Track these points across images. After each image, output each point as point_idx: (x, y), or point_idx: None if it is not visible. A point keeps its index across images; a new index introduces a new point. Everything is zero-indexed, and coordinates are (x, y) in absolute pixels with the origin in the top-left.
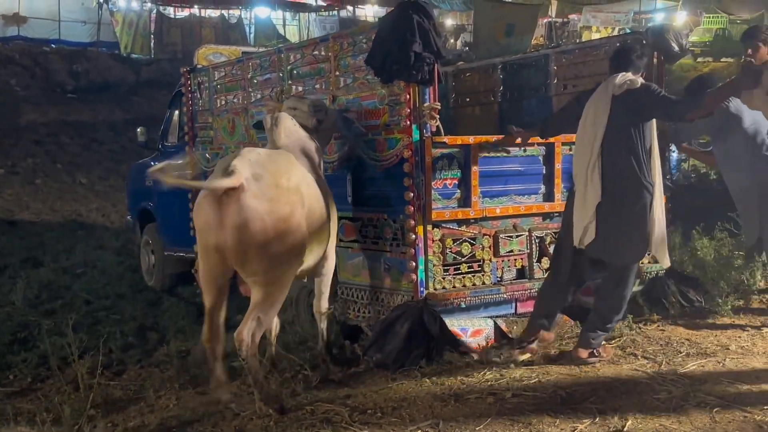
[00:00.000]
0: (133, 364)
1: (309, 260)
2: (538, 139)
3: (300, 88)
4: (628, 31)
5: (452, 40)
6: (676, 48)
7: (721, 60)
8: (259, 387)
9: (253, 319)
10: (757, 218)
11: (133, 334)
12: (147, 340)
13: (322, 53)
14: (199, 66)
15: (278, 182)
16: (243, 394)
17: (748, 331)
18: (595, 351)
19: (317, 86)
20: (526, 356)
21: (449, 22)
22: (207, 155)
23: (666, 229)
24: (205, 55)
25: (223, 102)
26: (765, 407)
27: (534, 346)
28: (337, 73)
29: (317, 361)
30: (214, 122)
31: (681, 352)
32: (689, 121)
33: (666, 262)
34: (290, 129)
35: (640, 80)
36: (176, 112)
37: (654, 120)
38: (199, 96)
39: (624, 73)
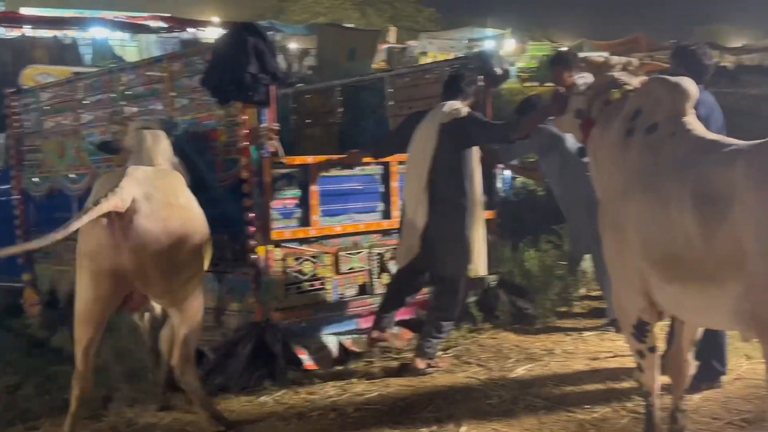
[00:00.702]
0: None
1: None
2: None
3: (135, 109)
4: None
5: (297, 64)
6: (499, 72)
7: (545, 85)
8: (207, 407)
9: (182, 343)
10: (585, 230)
11: None
12: None
13: (157, 74)
14: (25, 87)
15: (169, 200)
16: None
17: (571, 335)
18: (432, 362)
19: (152, 107)
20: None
21: (294, 45)
22: (35, 179)
23: (486, 243)
24: (32, 75)
25: (52, 124)
26: (587, 407)
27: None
28: (173, 93)
29: (158, 389)
30: (43, 145)
31: (511, 358)
32: (511, 143)
33: (482, 272)
34: (167, 148)
35: (465, 110)
36: (1, 135)
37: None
38: (25, 118)
39: (452, 101)
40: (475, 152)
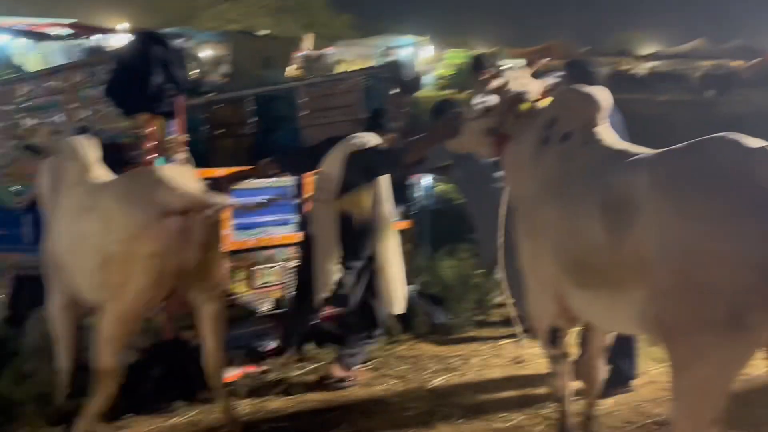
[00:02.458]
0: None
1: None
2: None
3: (36, 121)
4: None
5: (210, 72)
6: (410, 81)
7: (464, 92)
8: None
9: (219, 338)
10: (494, 239)
11: None
12: None
13: (59, 84)
14: None
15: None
16: None
17: (488, 343)
18: (351, 372)
19: (55, 119)
20: None
21: (206, 53)
22: None
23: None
24: None
25: None
26: (503, 414)
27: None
28: (76, 104)
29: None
30: None
31: (428, 369)
32: (405, 169)
33: (400, 309)
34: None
35: (373, 140)
36: None
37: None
38: None
39: (366, 134)
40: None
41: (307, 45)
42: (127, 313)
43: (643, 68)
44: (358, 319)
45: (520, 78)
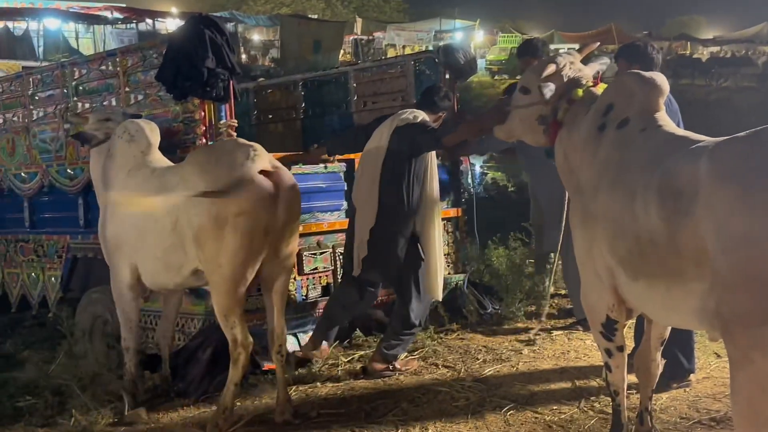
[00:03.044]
0: None
1: None
2: (339, 155)
3: (87, 105)
4: (430, 48)
5: (260, 57)
6: (464, 65)
7: (516, 77)
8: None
9: (283, 308)
10: (556, 228)
11: None
12: None
13: (110, 68)
14: None
15: None
16: None
17: (540, 335)
18: (391, 365)
19: (106, 102)
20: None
21: (256, 37)
22: None
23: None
24: None
25: (1, 120)
26: (554, 407)
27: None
28: (127, 89)
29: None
30: None
31: (478, 359)
32: (447, 148)
33: (438, 295)
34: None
35: (422, 116)
36: None
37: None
38: None
39: (415, 110)
40: (430, 159)
41: (358, 29)
42: (232, 280)
43: (703, 53)
44: (399, 309)
45: (574, 63)
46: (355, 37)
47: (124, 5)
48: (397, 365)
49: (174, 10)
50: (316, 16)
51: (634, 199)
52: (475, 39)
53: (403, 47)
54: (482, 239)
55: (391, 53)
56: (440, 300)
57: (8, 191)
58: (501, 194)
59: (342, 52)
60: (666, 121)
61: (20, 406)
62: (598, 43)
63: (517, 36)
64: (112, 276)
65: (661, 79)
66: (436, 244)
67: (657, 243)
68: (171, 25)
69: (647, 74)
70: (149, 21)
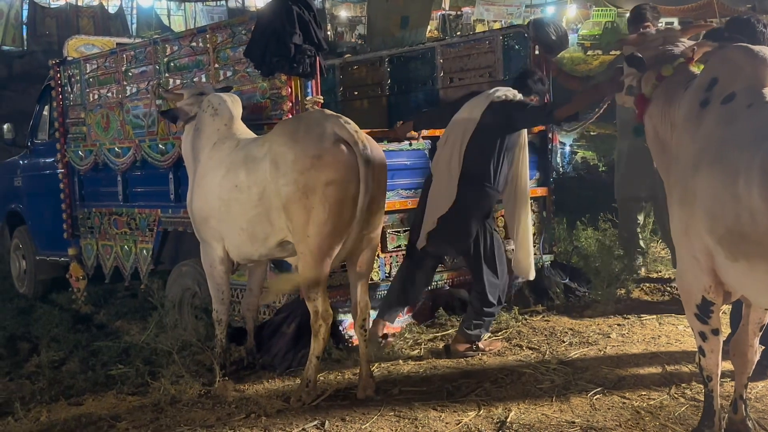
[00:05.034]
0: (2, 376)
1: None
2: (424, 133)
3: (178, 81)
4: (514, 23)
5: (347, 33)
6: (555, 40)
7: (610, 53)
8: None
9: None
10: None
11: (3, 344)
12: (18, 351)
13: (200, 45)
14: (69, 58)
15: None
16: None
17: (628, 319)
18: (474, 345)
19: (196, 79)
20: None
21: (343, 14)
22: (80, 153)
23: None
24: (76, 46)
25: (96, 96)
26: (643, 393)
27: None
28: (217, 65)
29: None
30: (87, 117)
31: (564, 342)
32: (557, 124)
33: (531, 275)
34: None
35: (520, 96)
36: (46, 107)
37: (521, 131)
38: (70, 90)
39: (509, 88)
40: (522, 136)
41: (446, 4)
42: (319, 251)
43: None
44: (475, 288)
45: (669, 38)
46: (443, 12)
47: None
48: (480, 345)
49: None
50: None
51: (736, 177)
52: (567, 13)
53: (493, 22)
54: (571, 220)
55: (479, 29)
56: (532, 279)
57: (103, 165)
58: (591, 174)
59: (429, 28)
60: None
61: (112, 374)
62: (704, 25)
63: (612, 9)
64: (203, 249)
65: None
66: (528, 224)
67: (758, 223)
68: (260, 2)
69: (755, 48)
70: None
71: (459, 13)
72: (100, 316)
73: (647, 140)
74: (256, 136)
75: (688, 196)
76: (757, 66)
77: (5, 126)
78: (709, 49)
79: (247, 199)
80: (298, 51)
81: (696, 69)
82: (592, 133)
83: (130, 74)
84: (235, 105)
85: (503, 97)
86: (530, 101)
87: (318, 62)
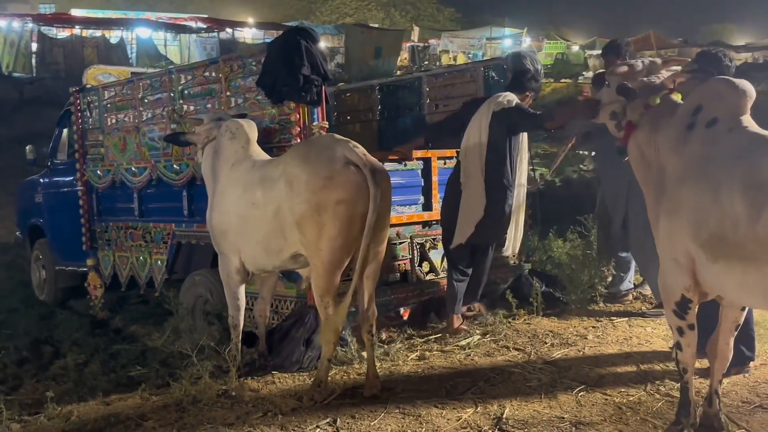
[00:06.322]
0: (29, 378)
1: None
2: (418, 154)
3: (192, 108)
4: (478, 54)
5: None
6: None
7: (561, 81)
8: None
9: (374, 293)
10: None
11: (27, 348)
12: (42, 354)
13: (213, 74)
14: (88, 86)
15: None
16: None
17: (601, 321)
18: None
19: (209, 106)
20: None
21: (323, 44)
22: (99, 172)
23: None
24: (94, 75)
25: (114, 120)
26: (622, 390)
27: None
28: (228, 93)
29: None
30: (105, 140)
31: (546, 343)
32: (547, 132)
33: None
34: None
35: (516, 100)
36: (65, 131)
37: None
38: (89, 115)
39: (508, 93)
40: (524, 138)
41: (414, 37)
42: (330, 263)
43: (736, 59)
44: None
45: (653, 70)
46: (412, 43)
47: (206, 16)
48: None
49: (251, 20)
50: (376, 25)
51: (719, 190)
52: (522, 46)
53: (456, 53)
54: (542, 231)
55: (444, 59)
56: (515, 254)
57: (120, 184)
58: (549, 188)
59: (400, 57)
60: (751, 123)
61: (132, 376)
62: (680, 60)
63: (562, 43)
64: (221, 261)
65: (750, 86)
66: (523, 210)
67: (737, 228)
68: (248, 33)
69: (736, 80)
70: (229, 30)
71: (426, 44)
72: (116, 321)
73: (630, 159)
74: (270, 158)
75: (673, 207)
76: (737, 96)
77: (27, 147)
78: (684, 80)
79: (263, 215)
80: (306, 81)
81: (677, 98)
82: (544, 152)
83: (146, 101)
84: (251, 129)
85: (502, 104)
86: (525, 96)
87: (324, 91)
